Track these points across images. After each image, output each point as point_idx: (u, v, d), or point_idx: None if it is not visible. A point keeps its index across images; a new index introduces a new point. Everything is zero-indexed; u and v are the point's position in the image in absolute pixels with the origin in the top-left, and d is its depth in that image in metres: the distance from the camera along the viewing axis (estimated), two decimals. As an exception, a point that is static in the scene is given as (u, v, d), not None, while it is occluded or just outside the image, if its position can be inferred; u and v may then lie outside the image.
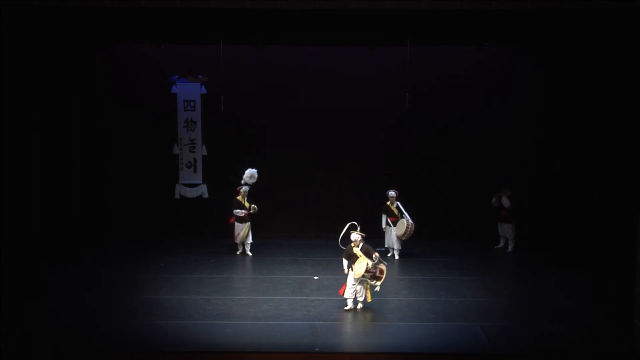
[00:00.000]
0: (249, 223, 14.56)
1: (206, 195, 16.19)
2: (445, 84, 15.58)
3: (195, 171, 16.17)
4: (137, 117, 15.73)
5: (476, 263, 14.14)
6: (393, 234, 14.41)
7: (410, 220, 14.07)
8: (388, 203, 14.47)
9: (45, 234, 12.47)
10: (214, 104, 14.27)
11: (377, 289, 11.14)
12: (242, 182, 14.53)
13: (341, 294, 11.19)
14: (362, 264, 10.95)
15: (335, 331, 10.29)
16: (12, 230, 10.97)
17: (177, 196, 16.19)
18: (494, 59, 15.03)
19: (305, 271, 13.45)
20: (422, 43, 13.52)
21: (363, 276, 10.94)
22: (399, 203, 14.42)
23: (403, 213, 14.24)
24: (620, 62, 10.88)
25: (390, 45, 13.77)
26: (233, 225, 14.59)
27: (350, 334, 10.40)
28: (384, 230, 14.53)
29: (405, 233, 14.05)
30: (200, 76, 15.82)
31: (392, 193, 14.45)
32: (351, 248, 11.20)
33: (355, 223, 11.24)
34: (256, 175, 14.53)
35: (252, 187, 14.58)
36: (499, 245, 15.35)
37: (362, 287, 11.13)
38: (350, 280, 11.10)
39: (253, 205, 14.46)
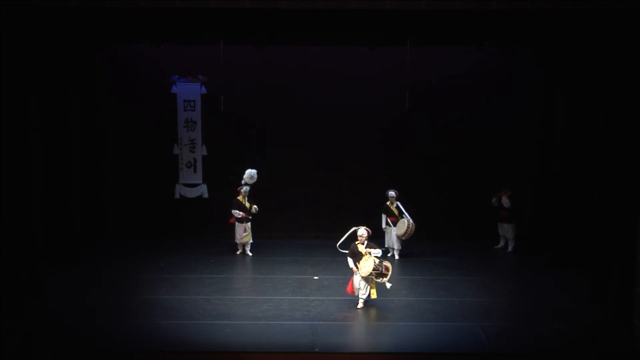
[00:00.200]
0: (250, 223, 14.56)
1: (206, 195, 16.19)
2: (445, 84, 15.58)
3: (195, 171, 16.17)
4: (137, 117, 15.73)
5: (476, 263, 14.14)
6: (393, 234, 14.41)
7: (411, 220, 14.07)
8: (388, 203, 14.47)
9: (45, 234, 12.47)
10: (214, 104, 14.27)
11: (388, 286, 11.16)
12: (242, 182, 14.53)
13: (349, 292, 11.26)
14: (369, 261, 10.98)
15: (335, 331, 10.28)
16: (12, 230, 10.98)
17: (177, 196, 16.19)
18: (494, 59, 15.03)
19: (305, 271, 13.45)
20: (422, 43, 13.52)
21: (370, 274, 10.97)
22: (398, 203, 14.42)
23: (403, 213, 14.24)
24: (620, 62, 10.88)
25: (390, 45, 13.76)
26: (233, 225, 14.59)
27: (350, 334, 10.40)
28: (384, 230, 14.52)
29: (405, 233, 14.05)
30: (200, 76, 15.83)
31: (392, 193, 14.45)
32: (356, 246, 11.24)
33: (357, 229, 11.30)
34: (256, 176, 14.52)
35: (252, 187, 14.57)
36: (499, 245, 15.35)
37: (366, 285, 11.16)
38: (356, 279, 11.14)
39: (254, 206, 14.46)
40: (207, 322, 10.56)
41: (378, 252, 11.17)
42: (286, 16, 11.51)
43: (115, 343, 9.74)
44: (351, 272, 11.46)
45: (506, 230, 15.18)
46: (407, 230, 14.02)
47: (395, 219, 14.37)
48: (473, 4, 10.63)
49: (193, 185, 16.21)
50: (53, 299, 11.52)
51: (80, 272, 13.11)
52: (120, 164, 15.79)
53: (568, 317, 10.88)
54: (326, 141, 15.88)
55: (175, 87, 15.91)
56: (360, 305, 11.19)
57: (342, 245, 11.59)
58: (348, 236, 11.55)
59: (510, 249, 15.18)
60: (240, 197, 14.48)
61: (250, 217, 14.52)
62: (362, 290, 11.17)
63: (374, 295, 11.24)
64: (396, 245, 14.44)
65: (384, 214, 14.48)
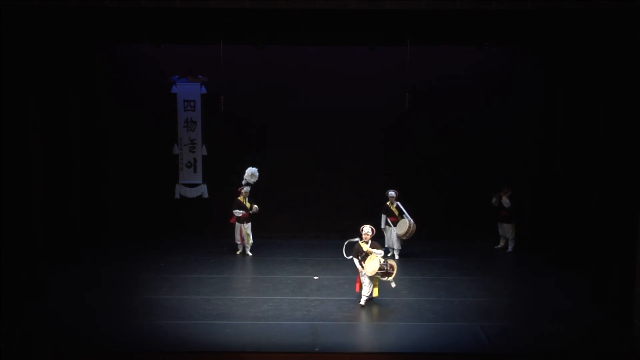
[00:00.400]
0: (250, 224, 14.56)
1: (206, 195, 16.18)
2: (445, 84, 15.57)
3: (195, 171, 16.17)
4: (137, 117, 15.73)
5: (476, 263, 14.14)
6: (393, 234, 14.41)
7: (412, 221, 14.07)
8: (388, 203, 14.46)
9: (45, 234, 12.48)
10: (214, 104, 14.26)
11: (393, 285, 11.20)
12: (243, 181, 14.52)
13: (358, 290, 11.34)
14: (375, 261, 11.05)
15: (335, 331, 10.28)
16: (12, 230, 10.98)
17: (177, 196, 16.18)
18: (494, 59, 15.02)
19: (305, 271, 13.45)
20: (422, 43, 13.51)
21: (376, 273, 10.98)
22: (399, 203, 14.42)
23: (403, 213, 14.24)
24: (620, 62, 10.88)
25: (390, 45, 13.76)
26: (234, 225, 14.59)
27: (350, 334, 10.40)
28: (384, 230, 14.52)
29: (406, 233, 14.05)
30: (200, 76, 15.82)
31: (392, 193, 14.44)
32: (360, 245, 11.26)
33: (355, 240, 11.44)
34: (257, 174, 14.52)
35: (252, 187, 14.57)
36: (499, 245, 15.35)
37: (370, 283, 11.21)
38: (364, 279, 11.20)
39: (255, 206, 14.46)
40: (207, 322, 10.56)
41: (380, 252, 11.21)
42: (286, 16, 11.51)
43: (115, 343, 9.75)
44: (354, 271, 11.51)
45: (506, 230, 15.18)
46: (408, 230, 14.02)
47: (395, 219, 14.36)
48: (473, 4, 10.63)
49: (193, 185, 16.21)
50: (53, 299, 11.52)
51: (80, 272, 13.11)
52: (120, 164, 15.79)
53: (568, 317, 10.88)
54: (326, 141, 15.88)
55: (175, 87, 15.90)
56: (362, 302, 11.25)
57: (347, 252, 11.60)
58: (351, 241, 11.59)
59: (510, 249, 15.18)
60: (240, 197, 14.49)
61: (248, 215, 14.51)
62: (367, 289, 11.23)
63: (375, 294, 11.30)
64: (396, 245, 14.44)
65: (384, 214, 14.48)
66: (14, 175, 11.06)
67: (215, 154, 16.04)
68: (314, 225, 16.19)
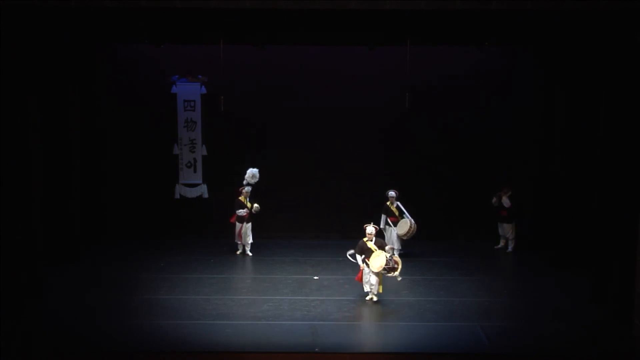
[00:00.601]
0: (250, 224, 14.56)
1: (206, 195, 16.18)
2: (445, 84, 15.57)
3: (195, 171, 16.17)
4: (137, 117, 15.73)
5: (476, 263, 14.14)
6: (393, 234, 14.41)
7: (413, 221, 14.06)
8: (388, 203, 14.45)
9: (45, 234, 12.48)
10: (214, 104, 14.26)
11: (399, 279, 11.28)
12: (244, 182, 14.52)
13: (357, 279, 11.50)
14: (381, 257, 11.12)
15: (335, 331, 10.28)
16: (12, 230, 10.97)
17: (177, 196, 16.18)
18: (494, 59, 15.02)
19: (305, 271, 13.45)
20: (422, 43, 13.51)
21: (383, 269, 11.01)
22: (399, 203, 14.41)
23: (404, 213, 14.24)
24: (620, 62, 10.88)
25: (390, 45, 13.76)
26: (234, 225, 14.59)
27: (350, 334, 10.39)
28: (384, 230, 14.52)
29: (407, 232, 14.04)
30: (200, 76, 15.82)
31: (392, 193, 14.44)
32: (364, 242, 11.31)
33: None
34: (258, 175, 14.53)
35: (253, 187, 14.57)
36: (499, 245, 15.35)
37: (377, 280, 11.28)
38: (366, 274, 11.27)
39: (255, 205, 14.46)
40: (207, 322, 10.56)
41: (388, 247, 11.32)
42: (286, 16, 11.51)
43: (115, 343, 9.75)
44: (354, 271, 11.56)
45: (506, 230, 15.18)
46: (409, 229, 14.01)
47: (395, 219, 14.36)
48: (473, 4, 10.63)
49: (193, 185, 16.21)
50: (53, 299, 11.52)
51: (80, 272, 13.11)
52: (120, 164, 15.78)
53: (568, 317, 10.88)
54: (326, 141, 15.88)
55: (175, 87, 15.90)
56: (374, 298, 11.36)
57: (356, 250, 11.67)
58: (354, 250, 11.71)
59: (510, 249, 15.18)
60: (241, 197, 14.49)
61: (250, 216, 14.51)
62: (375, 286, 11.32)
63: (380, 290, 11.42)
64: (396, 245, 14.42)
65: (384, 214, 14.47)
66: (14, 175, 11.06)
67: (215, 154, 16.04)
68: (314, 225, 16.20)
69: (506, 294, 12.26)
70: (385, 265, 11.09)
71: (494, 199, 15.00)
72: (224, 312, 10.98)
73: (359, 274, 11.50)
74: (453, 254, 14.84)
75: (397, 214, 14.38)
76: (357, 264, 11.63)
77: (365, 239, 11.44)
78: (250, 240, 14.67)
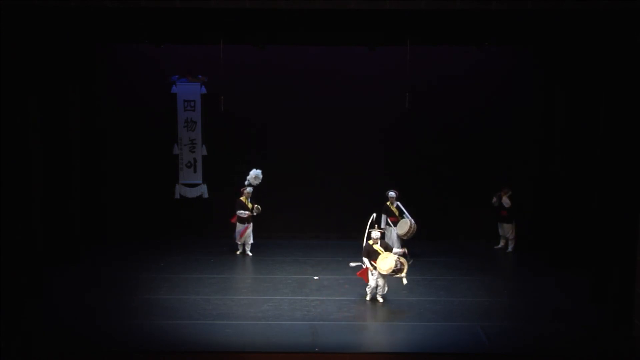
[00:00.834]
0: (251, 224, 14.56)
1: (206, 195, 16.18)
2: (445, 84, 15.57)
3: (195, 171, 16.17)
4: (137, 117, 15.73)
5: (476, 263, 14.14)
6: (393, 234, 14.40)
7: (413, 221, 14.06)
8: (388, 203, 14.46)
9: (45, 234, 12.49)
10: (214, 104, 14.26)
11: (405, 281, 11.28)
12: (246, 182, 14.52)
13: (359, 275, 11.54)
14: (390, 259, 11.13)
15: (335, 331, 10.28)
16: (12, 231, 10.97)
17: (177, 196, 16.18)
18: (494, 59, 15.02)
19: (305, 271, 13.45)
20: (422, 43, 13.52)
21: (393, 270, 11.00)
22: (399, 203, 14.41)
23: (404, 213, 14.24)
24: (620, 62, 10.88)
25: (390, 45, 13.76)
26: (234, 224, 14.59)
27: (350, 334, 10.38)
28: (384, 230, 14.50)
29: (407, 232, 14.03)
30: (200, 76, 15.82)
31: (391, 193, 14.44)
32: (370, 245, 11.33)
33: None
34: (261, 176, 14.53)
35: (254, 187, 14.56)
36: (499, 245, 15.35)
37: (384, 282, 11.28)
38: (372, 278, 11.27)
39: (256, 206, 14.46)
40: (207, 322, 10.56)
41: (398, 251, 11.34)
42: (286, 16, 11.51)
43: (115, 343, 9.74)
44: (354, 271, 11.58)
45: (506, 230, 15.18)
46: (409, 229, 14.00)
47: (395, 219, 14.36)
48: (473, 4, 10.63)
49: (193, 185, 16.20)
50: (53, 299, 11.52)
51: (80, 272, 13.10)
52: (120, 164, 15.78)
53: (568, 317, 10.88)
54: (326, 141, 15.87)
55: (175, 87, 15.90)
56: (380, 300, 11.36)
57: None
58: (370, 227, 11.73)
59: (510, 249, 15.18)
60: (243, 198, 14.49)
61: (251, 218, 14.52)
62: (381, 288, 11.35)
63: (385, 290, 11.49)
64: (396, 245, 14.42)
65: (384, 214, 14.47)
66: (14, 175, 11.06)
67: (215, 154, 16.04)
68: (314, 225, 16.19)
69: (506, 294, 12.26)
70: (395, 267, 11.08)
71: (494, 199, 15.00)
72: (224, 312, 10.98)
73: (363, 271, 11.46)
74: (453, 254, 14.84)
75: (397, 214, 14.38)
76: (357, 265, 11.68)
77: (370, 242, 11.44)
78: (250, 240, 14.67)
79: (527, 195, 15.25)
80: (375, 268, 11.30)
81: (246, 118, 15.73)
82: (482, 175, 15.72)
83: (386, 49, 14.18)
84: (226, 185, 15.38)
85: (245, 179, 14.53)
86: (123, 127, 15.73)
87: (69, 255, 13.50)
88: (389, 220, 14.43)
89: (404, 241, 14.37)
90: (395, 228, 14.32)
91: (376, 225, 11.83)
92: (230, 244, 14.82)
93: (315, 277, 13.01)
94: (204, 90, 15.87)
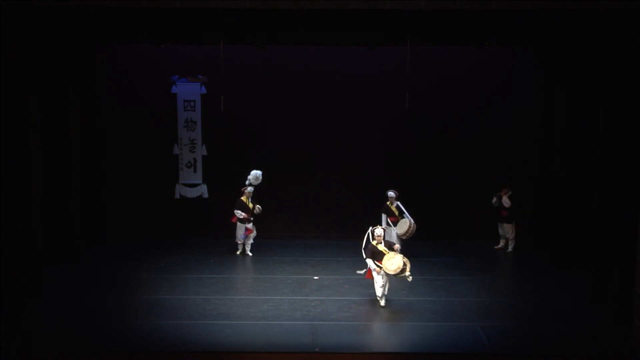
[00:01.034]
0: (252, 224, 14.56)
1: (206, 195, 16.18)
2: (445, 84, 15.56)
3: (195, 171, 16.16)
4: (137, 117, 15.72)
5: (476, 263, 14.14)
6: (393, 234, 14.38)
7: (412, 220, 14.05)
8: (388, 203, 14.45)
9: (45, 234, 12.48)
10: (214, 104, 14.26)
11: (410, 279, 11.17)
12: (247, 182, 14.52)
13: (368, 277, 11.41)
14: (397, 258, 11.03)
15: (335, 331, 10.28)
16: (12, 231, 10.97)
17: (177, 196, 16.17)
18: (494, 59, 15.02)
19: (305, 271, 13.45)
20: (422, 43, 13.51)
21: (401, 270, 10.95)
22: (399, 203, 14.41)
23: (404, 213, 14.23)
24: (620, 62, 10.88)
25: (390, 45, 13.76)
26: (235, 224, 14.59)
27: (350, 334, 10.38)
28: (384, 230, 14.48)
29: (407, 232, 14.03)
30: (200, 76, 15.81)
31: (391, 193, 14.43)
32: (374, 246, 11.25)
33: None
34: (261, 177, 14.52)
35: (255, 187, 14.56)
36: (499, 245, 15.34)
37: (388, 281, 11.22)
38: (379, 279, 11.14)
39: (257, 206, 14.46)
40: (207, 322, 10.56)
41: (399, 247, 11.28)
42: (286, 16, 11.51)
43: (115, 343, 9.75)
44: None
45: (506, 230, 15.18)
46: (408, 229, 14.00)
47: (395, 219, 14.35)
48: (473, 4, 10.63)
49: (193, 185, 16.20)
50: (53, 299, 11.52)
51: (80, 272, 13.10)
52: (120, 164, 15.78)
53: (568, 317, 10.88)
54: (326, 141, 15.87)
55: (175, 87, 15.90)
56: (382, 302, 11.25)
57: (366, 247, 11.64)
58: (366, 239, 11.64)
59: (510, 249, 15.17)
60: (243, 198, 14.48)
61: (252, 218, 14.53)
62: (384, 289, 11.25)
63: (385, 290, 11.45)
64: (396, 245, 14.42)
65: (384, 213, 14.47)
66: (14, 175, 11.06)
67: (215, 154, 16.03)
68: (314, 225, 16.19)
69: (506, 294, 12.27)
70: (403, 266, 11.02)
71: (494, 199, 14.99)
72: (224, 312, 10.98)
73: (369, 273, 11.40)
74: (453, 254, 14.84)
75: (397, 213, 14.38)
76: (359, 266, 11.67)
77: (374, 242, 11.33)
78: (250, 240, 14.67)
79: (527, 195, 15.25)
80: (381, 268, 11.16)
81: (246, 118, 15.72)
82: (482, 175, 15.71)
83: (386, 49, 14.17)
84: (226, 185, 15.38)
85: (245, 179, 14.53)
86: (123, 127, 15.73)
87: (69, 255, 13.50)
88: (389, 220, 14.43)
89: (403, 241, 14.37)
90: (395, 228, 14.32)
91: (378, 226, 11.76)
92: (230, 244, 14.81)
93: (315, 277, 13.01)
94: (204, 90, 15.87)
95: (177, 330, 10.19)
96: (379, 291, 11.25)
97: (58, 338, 9.86)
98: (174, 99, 15.95)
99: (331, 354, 9.48)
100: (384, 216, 14.45)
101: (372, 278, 11.34)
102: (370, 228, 11.55)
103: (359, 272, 11.87)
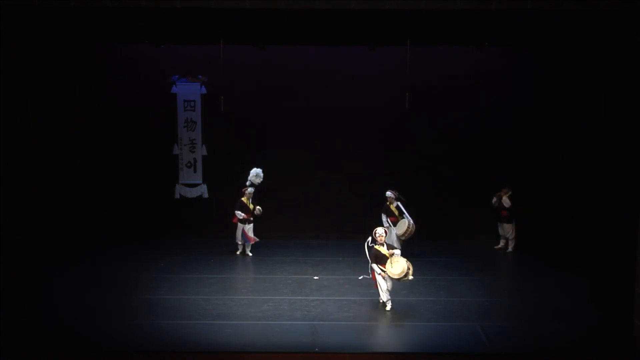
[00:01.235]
0: (252, 225, 14.55)
1: (206, 195, 16.18)
2: (445, 84, 15.57)
3: (195, 171, 16.17)
4: (137, 117, 15.73)
5: (476, 263, 14.14)
6: (393, 234, 14.38)
7: (412, 221, 14.05)
8: (387, 203, 14.45)
9: (45, 234, 12.48)
10: (214, 104, 14.26)
11: (411, 277, 11.11)
12: (248, 182, 14.51)
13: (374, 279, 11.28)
14: (401, 262, 10.92)
15: (335, 331, 10.28)
16: (12, 231, 10.97)
17: (177, 196, 16.18)
18: (494, 59, 15.02)
19: (305, 271, 13.45)
20: (422, 43, 13.52)
21: (406, 273, 10.91)
22: (399, 203, 14.40)
23: (403, 213, 14.23)
24: (620, 62, 10.88)
25: (390, 45, 13.76)
26: (236, 225, 14.58)
27: (350, 334, 10.38)
28: (385, 230, 14.48)
29: (405, 233, 14.02)
30: (200, 76, 15.82)
31: (389, 194, 14.42)
32: (378, 250, 11.14)
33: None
34: (262, 175, 14.52)
35: (255, 187, 14.55)
36: (499, 245, 15.34)
37: (391, 284, 11.14)
38: (383, 282, 11.06)
39: (257, 207, 14.45)
40: (207, 322, 10.56)
41: (398, 252, 11.19)
42: (286, 16, 11.50)
43: (115, 343, 9.74)
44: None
45: (506, 230, 15.18)
46: (407, 230, 13.99)
47: (395, 219, 14.35)
48: (473, 4, 10.63)
49: (193, 185, 16.20)
50: (53, 299, 11.52)
51: (80, 272, 13.11)
52: (120, 164, 15.78)
53: (568, 317, 10.88)
54: (326, 141, 15.87)
55: (175, 87, 15.90)
56: (388, 307, 11.12)
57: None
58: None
59: (510, 249, 15.18)
60: (244, 198, 14.48)
61: (252, 219, 14.53)
62: (386, 292, 11.13)
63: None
64: (396, 245, 14.41)
65: (384, 214, 14.47)
66: (14, 175, 11.06)
67: (215, 154, 16.04)
68: (314, 225, 16.19)
69: (506, 294, 12.27)
70: (407, 269, 10.94)
71: (494, 199, 14.99)
72: (224, 312, 10.98)
73: (374, 276, 11.28)
74: (453, 254, 14.84)
75: (397, 214, 14.38)
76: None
77: (376, 246, 11.17)
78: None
79: (527, 195, 15.25)
80: (385, 272, 11.02)
81: (246, 118, 15.73)
82: (482, 175, 15.72)
83: (386, 49, 14.18)
84: (226, 185, 15.38)
85: (245, 179, 14.52)
86: (123, 127, 15.73)
87: (69, 255, 13.50)
88: (389, 220, 14.43)
89: (403, 241, 14.37)
90: (395, 228, 14.31)
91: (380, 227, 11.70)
92: (230, 243, 14.81)
93: (315, 277, 13.01)
94: (204, 90, 15.88)
95: (177, 330, 10.19)
96: (384, 296, 11.13)
97: (58, 338, 9.86)
98: (174, 99, 15.96)
99: (331, 354, 9.48)
100: (384, 216, 14.45)
101: (376, 281, 11.23)
102: (370, 237, 11.38)
103: (360, 278, 11.83)
